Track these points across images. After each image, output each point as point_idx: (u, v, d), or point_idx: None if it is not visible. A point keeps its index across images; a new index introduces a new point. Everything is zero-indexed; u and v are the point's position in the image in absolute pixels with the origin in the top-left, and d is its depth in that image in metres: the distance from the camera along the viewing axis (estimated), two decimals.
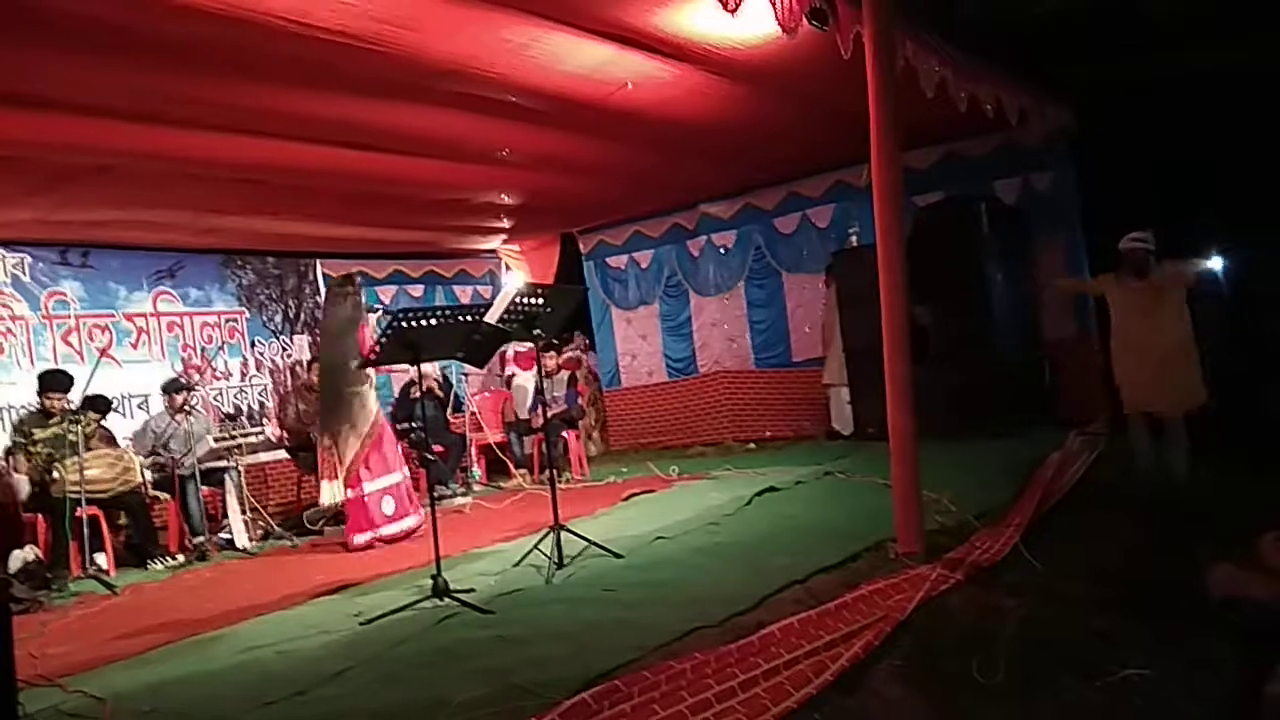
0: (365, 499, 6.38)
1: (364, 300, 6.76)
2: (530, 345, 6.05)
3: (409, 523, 6.53)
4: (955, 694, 2.88)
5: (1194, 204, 6.39)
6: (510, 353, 10.28)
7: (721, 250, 10.34)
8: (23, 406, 7.35)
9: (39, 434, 6.42)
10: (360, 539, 6.36)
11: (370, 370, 6.32)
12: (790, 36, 4.57)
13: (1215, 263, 5.86)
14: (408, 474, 6.63)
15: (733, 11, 4.30)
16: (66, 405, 6.59)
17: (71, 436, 6.25)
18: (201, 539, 7.04)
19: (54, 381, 6.69)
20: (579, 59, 5.17)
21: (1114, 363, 5.73)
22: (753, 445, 9.69)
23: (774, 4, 4.37)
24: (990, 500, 5.23)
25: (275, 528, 7.38)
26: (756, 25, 4.85)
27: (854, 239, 8.79)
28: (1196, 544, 4.05)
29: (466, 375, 9.76)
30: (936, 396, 6.04)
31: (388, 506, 6.42)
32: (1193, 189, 6.61)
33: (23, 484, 6.62)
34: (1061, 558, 4.22)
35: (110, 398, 7.05)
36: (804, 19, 4.49)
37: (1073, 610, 3.52)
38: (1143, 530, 4.59)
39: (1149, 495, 5.30)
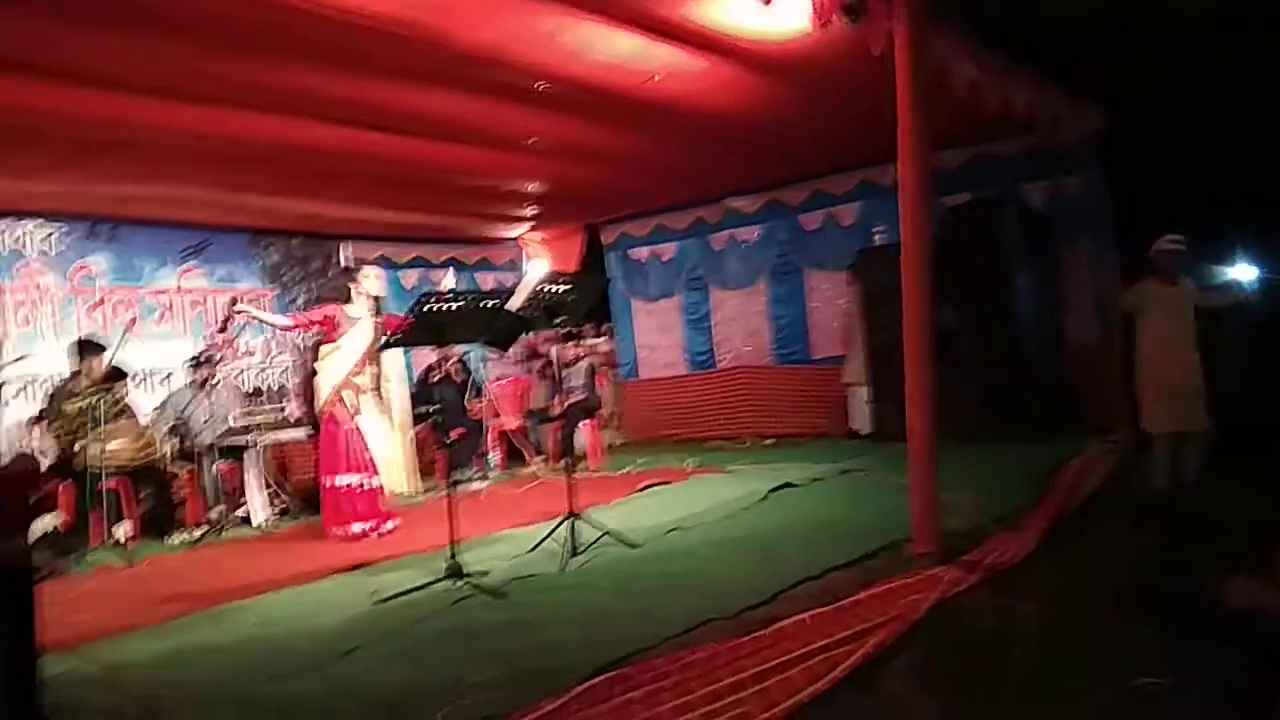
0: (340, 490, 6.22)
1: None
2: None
3: (360, 526, 6.18)
4: (968, 696, 2.87)
5: (1228, 212, 6.32)
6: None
7: (744, 245, 10.32)
8: (49, 378, 7.44)
9: (69, 406, 6.49)
10: (337, 531, 6.20)
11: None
12: (823, 31, 4.55)
13: (1247, 272, 5.81)
14: (370, 482, 6.30)
15: (767, 2, 4.29)
16: (99, 372, 6.67)
17: (100, 411, 6.32)
18: (220, 514, 7.11)
19: (90, 346, 6.78)
20: (609, 48, 5.17)
21: (1140, 371, 5.68)
22: (770, 441, 9.68)
23: None
24: (1008, 504, 5.21)
25: (293, 505, 7.44)
26: (788, 19, 4.82)
27: (878, 238, 8.75)
28: (1214, 556, 4.03)
29: (486, 361, 9.79)
30: (957, 399, 6.00)
31: (348, 505, 6.18)
32: (1227, 196, 6.53)
33: (45, 452, 6.72)
34: (1079, 564, 4.21)
35: (125, 370, 7.12)
36: (837, 13, 4.46)
37: (1089, 617, 3.51)
38: (1161, 540, 4.56)
39: (1167, 507, 5.27)
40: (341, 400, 6.20)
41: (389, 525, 6.29)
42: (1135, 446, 6.45)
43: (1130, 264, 5.97)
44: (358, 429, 6.27)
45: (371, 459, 6.31)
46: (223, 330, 7.30)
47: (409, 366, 9.97)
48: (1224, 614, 3.26)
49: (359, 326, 6.22)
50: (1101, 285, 8.02)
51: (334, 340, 6.20)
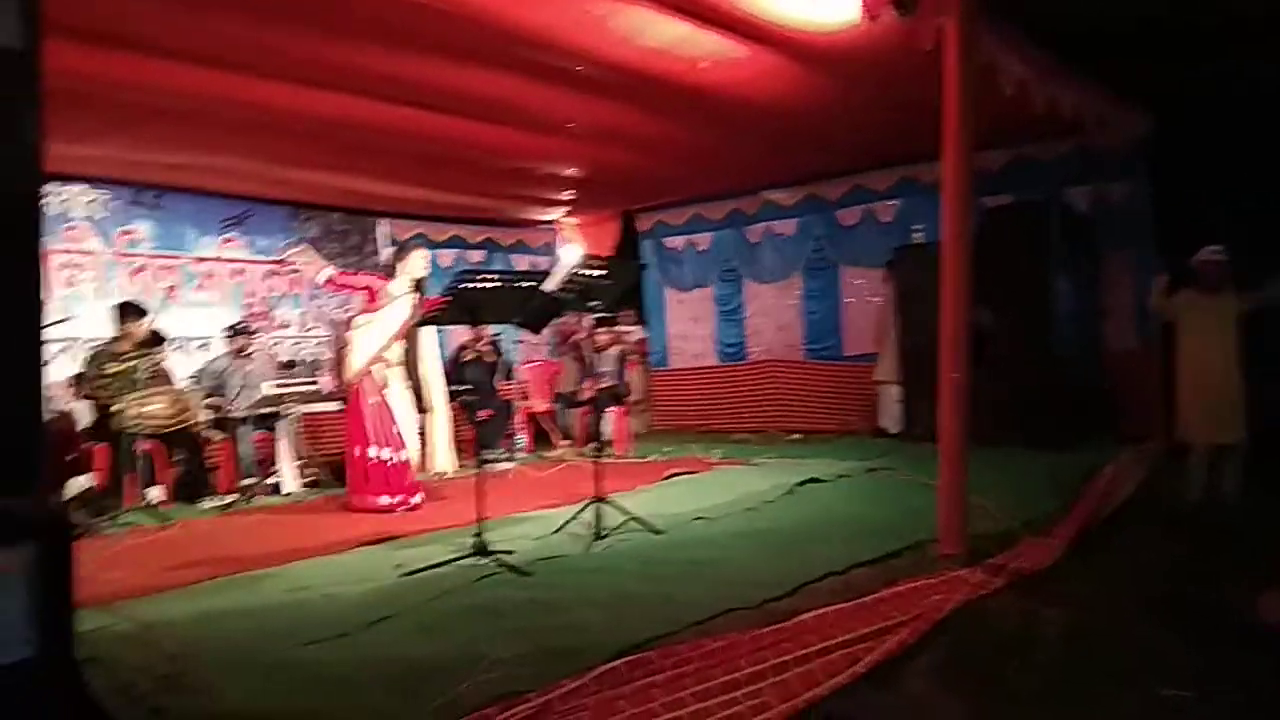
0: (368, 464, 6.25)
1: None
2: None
3: (385, 500, 6.24)
4: (989, 697, 2.86)
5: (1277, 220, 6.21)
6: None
7: (780, 238, 10.28)
8: (90, 339, 7.57)
9: (111, 368, 6.61)
10: (359, 501, 6.26)
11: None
12: (873, 23, 4.52)
13: None
14: (397, 457, 6.32)
15: None
16: (140, 335, 6.77)
17: (138, 374, 6.42)
18: (251, 481, 7.22)
19: (132, 309, 6.91)
20: (655, 34, 5.16)
21: (1180, 386, 5.61)
22: (797, 436, 9.66)
23: None
24: (1038, 509, 5.17)
25: (323, 476, 7.53)
26: (837, 9, 4.79)
27: (917, 236, 8.67)
28: (1243, 566, 3.99)
29: (519, 343, 9.84)
30: (990, 402, 5.96)
31: (377, 477, 6.22)
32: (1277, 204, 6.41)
33: (82, 413, 6.84)
34: (1107, 572, 4.17)
35: (163, 335, 7.26)
36: (888, 6, 4.43)
37: (1115, 625, 3.49)
38: (1190, 550, 4.52)
39: (1198, 516, 5.22)
40: (370, 374, 6.25)
41: (414, 500, 6.34)
42: (1169, 456, 6.38)
43: (1173, 272, 5.88)
44: (386, 403, 6.31)
45: (399, 434, 6.35)
46: (279, 264, 7.34)
47: (441, 345, 10.05)
48: (1258, 629, 3.23)
49: (398, 303, 6.26)
50: (1143, 293, 7.91)
51: (372, 310, 6.25)
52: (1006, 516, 4.97)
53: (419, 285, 6.38)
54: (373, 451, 6.23)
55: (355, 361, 6.25)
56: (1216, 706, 2.70)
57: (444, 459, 6.58)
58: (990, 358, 6.84)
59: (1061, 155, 8.18)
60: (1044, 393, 7.33)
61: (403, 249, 6.53)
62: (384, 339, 6.22)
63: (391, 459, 6.27)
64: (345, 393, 6.40)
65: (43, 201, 1.98)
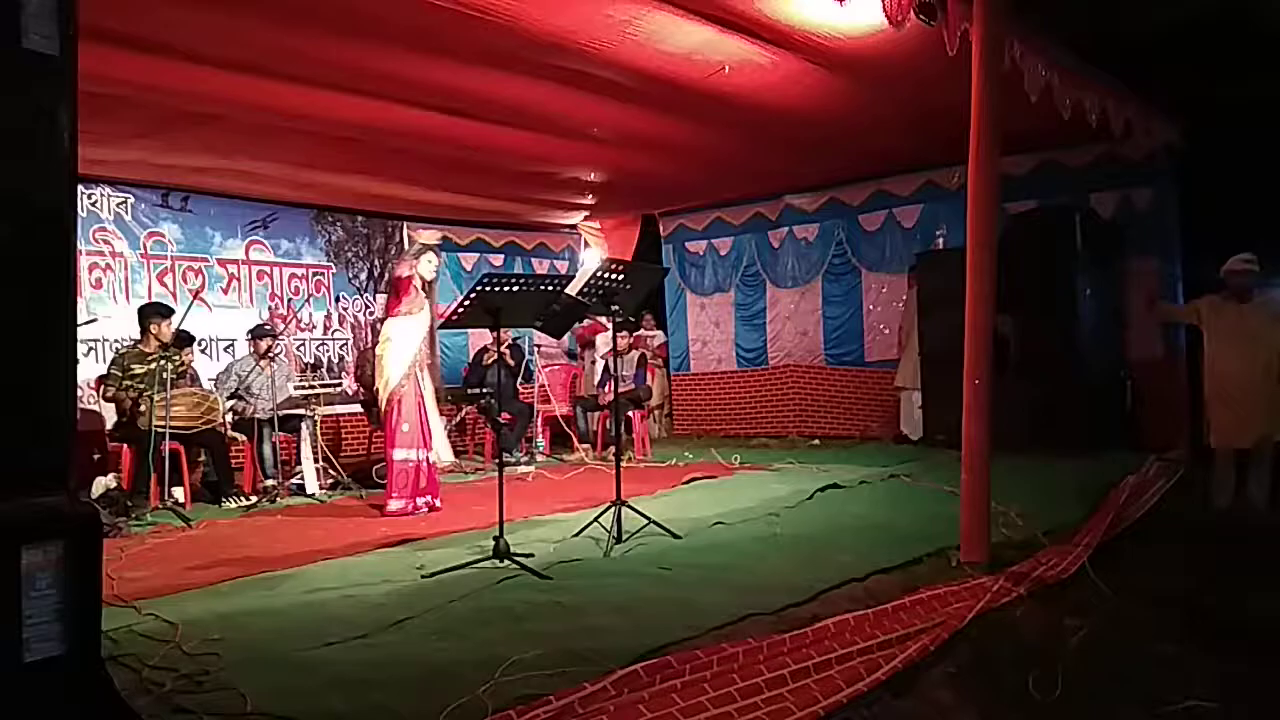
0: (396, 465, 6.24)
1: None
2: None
3: (419, 501, 6.26)
4: (1009, 707, 2.84)
5: None
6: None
7: (803, 243, 10.27)
8: (117, 340, 7.68)
9: (136, 369, 6.67)
10: (395, 504, 6.24)
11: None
12: (897, 30, 4.51)
13: None
14: (427, 457, 6.31)
15: (841, 1, 4.26)
16: (166, 336, 6.82)
17: (164, 374, 6.48)
18: (273, 482, 7.27)
19: (158, 310, 6.96)
20: (679, 39, 5.17)
21: (1208, 392, 5.56)
22: (817, 441, 9.64)
23: None
24: (1060, 518, 5.12)
25: (345, 478, 7.58)
26: (861, 15, 4.78)
27: (941, 241, 8.64)
28: (1270, 577, 3.94)
29: (539, 346, 9.87)
30: (1013, 409, 5.92)
31: (401, 481, 6.22)
32: None
33: (108, 413, 6.92)
34: (1130, 582, 4.12)
35: (193, 335, 7.33)
36: (912, 13, 4.42)
37: (1138, 635, 3.45)
38: (1216, 561, 4.47)
39: (1225, 527, 5.17)
40: (415, 378, 6.27)
41: (437, 502, 6.37)
42: (1194, 464, 6.31)
43: (1195, 282, 5.84)
44: (424, 404, 6.33)
45: (431, 434, 6.38)
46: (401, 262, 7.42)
47: (463, 348, 10.10)
48: None
49: (426, 307, 6.30)
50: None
51: (396, 316, 6.24)
52: (1028, 524, 4.94)
53: (428, 287, 6.40)
54: (408, 454, 6.23)
55: (393, 373, 6.22)
56: (1238, 717, 2.67)
57: (446, 452, 6.63)
58: (1013, 364, 6.80)
59: (1088, 162, 8.14)
60: (1067, 400, 7.28)
61: (415, 254, 6.55)
62: (416, 345, 6.24)
63: (426, 459, 6.31)
64: (373, 399, 6.38)
65: (74, 203, 2.01)
